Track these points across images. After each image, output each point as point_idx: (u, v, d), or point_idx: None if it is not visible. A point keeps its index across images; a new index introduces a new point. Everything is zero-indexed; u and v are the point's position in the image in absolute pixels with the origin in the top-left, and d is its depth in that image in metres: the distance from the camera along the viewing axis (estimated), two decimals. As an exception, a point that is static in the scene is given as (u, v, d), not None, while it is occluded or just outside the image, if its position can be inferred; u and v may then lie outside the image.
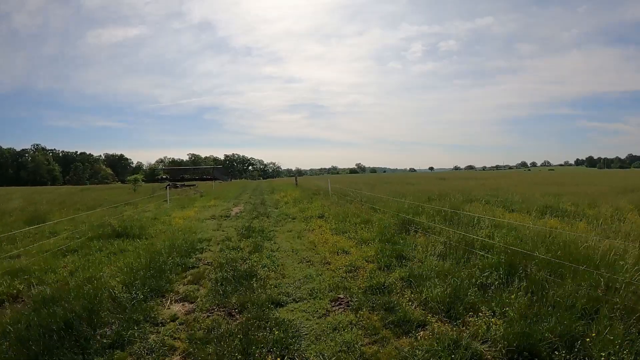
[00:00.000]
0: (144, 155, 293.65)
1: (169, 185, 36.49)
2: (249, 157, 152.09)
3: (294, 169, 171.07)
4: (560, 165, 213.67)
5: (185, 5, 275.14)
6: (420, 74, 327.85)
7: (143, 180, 31.80)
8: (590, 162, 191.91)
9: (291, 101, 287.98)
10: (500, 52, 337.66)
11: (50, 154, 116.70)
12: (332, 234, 8.20)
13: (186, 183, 38.59)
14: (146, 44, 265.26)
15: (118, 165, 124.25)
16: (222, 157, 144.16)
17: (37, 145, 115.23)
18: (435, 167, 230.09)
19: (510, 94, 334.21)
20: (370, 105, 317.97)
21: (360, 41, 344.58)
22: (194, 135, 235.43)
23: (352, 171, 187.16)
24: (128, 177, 32.58)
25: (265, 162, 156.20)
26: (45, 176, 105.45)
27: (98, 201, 20.36)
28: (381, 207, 10.59)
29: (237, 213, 12.79)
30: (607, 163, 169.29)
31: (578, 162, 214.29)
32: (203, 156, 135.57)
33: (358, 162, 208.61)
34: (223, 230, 9.17)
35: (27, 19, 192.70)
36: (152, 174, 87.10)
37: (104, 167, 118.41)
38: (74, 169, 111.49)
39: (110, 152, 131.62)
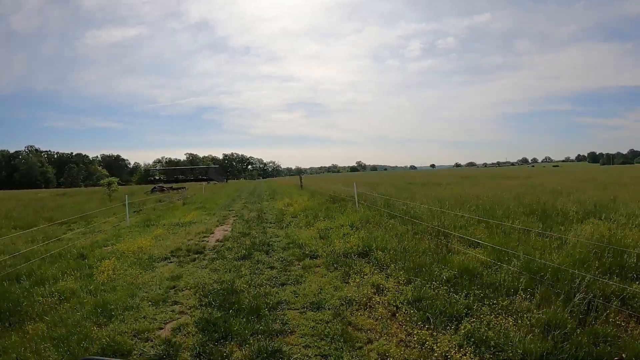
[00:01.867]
0: (142, 155, 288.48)
1: (154, 188, 31.81)
2: (248, 157, 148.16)
3: (293, 167, 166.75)
4: (562, 161, 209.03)
5: (183, 5, 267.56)
6: (418, 72, 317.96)
7: (119, 184, 27.10)
8: (593, 157, 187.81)
9: (289, 100, 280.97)
10: (499, 48, 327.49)
11: (45, 156, 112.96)
12: (420, 327, 3.49)
13: (174, 186, 33.93)
14: (144, 44, 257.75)
15: (114, 166, 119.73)
16: (221, 157, 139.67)
17: (30, 147, 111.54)
18: (435, 164, 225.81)
19: (509, 90, 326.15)
20: (368, 103, 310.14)
21: (357, 40, 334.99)
22: (192, 135, 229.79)
23: (352, 169, 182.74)
24: (101, 181, 27.96)
25: (264, 162, 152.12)
26: (39, 178, 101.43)
27: (53, 213, 15.90)
28: (474, 236, 5.84)
29: (218, 241, 8.07)
30: (610, 159, 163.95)
31: (579, 158, 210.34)
32: (201, 156, 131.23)
33: (358, 160, 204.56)
34: (175, 304, 4.39)
35: (25, 19, 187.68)
36: (146, 175, 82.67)
37: (99, 168, 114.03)
38: (68, 170, 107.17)
39: (107, 153, 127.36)
